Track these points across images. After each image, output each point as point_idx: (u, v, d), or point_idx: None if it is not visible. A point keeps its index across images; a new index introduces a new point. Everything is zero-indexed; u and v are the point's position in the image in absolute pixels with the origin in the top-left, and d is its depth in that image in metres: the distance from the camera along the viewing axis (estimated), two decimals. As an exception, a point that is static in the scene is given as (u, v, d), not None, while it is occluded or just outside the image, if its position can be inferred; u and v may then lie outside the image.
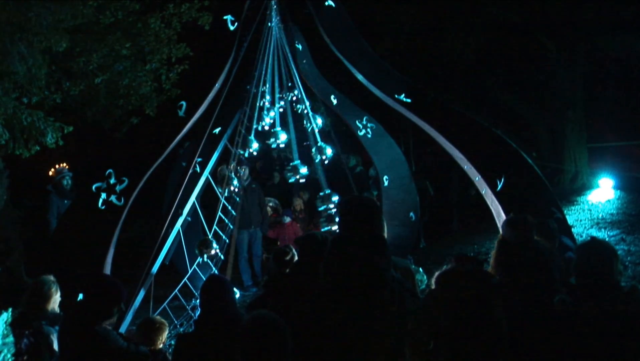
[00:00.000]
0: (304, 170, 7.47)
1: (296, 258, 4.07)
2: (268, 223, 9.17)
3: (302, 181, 7.98)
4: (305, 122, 8.01)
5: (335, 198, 7.24)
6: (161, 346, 4.06)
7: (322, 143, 7.61)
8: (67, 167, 9.38)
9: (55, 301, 4.08)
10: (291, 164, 7.61)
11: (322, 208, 7.34)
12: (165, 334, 4.14)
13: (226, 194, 7.60)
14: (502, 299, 2.43)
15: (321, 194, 7.36)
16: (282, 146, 7.95)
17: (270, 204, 9.44)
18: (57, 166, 9.52)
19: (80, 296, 3.92)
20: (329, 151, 7.56)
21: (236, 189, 7.79)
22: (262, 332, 2.33)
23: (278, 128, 7.74)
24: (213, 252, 7.06)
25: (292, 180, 7.72)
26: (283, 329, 2.36)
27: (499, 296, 2.73)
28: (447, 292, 2.30)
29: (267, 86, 7.99)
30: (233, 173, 7.67)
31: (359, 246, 3.05)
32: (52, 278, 4.12)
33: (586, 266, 3.06)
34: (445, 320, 2.17)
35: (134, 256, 7.90)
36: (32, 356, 3.76)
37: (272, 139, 7.64)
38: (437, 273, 3.51)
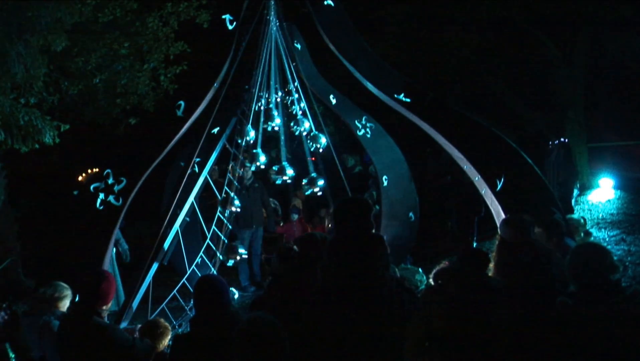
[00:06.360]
0: (290, 171, 7.47)
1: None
2: (274, 220, 9.21)
3: (288, 182, 8.01)
4: (292, 124, 8.03)
5: (320, 182, 7.36)
6: (163, 349, 4.07)
7: (316, 132, 7.62)
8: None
9: (65, 305, 4.27)
10: (278, 166, 7.57)
11: (308, 192, 7.51)
12: (168, 338, 4.14)
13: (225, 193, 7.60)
14: (499, 302, 2.42)
15: (306, 180, 7.44)
16: (262, 167, 7.85)
17: (270, 204, 9.42)
18: (89, 172, 9.41)
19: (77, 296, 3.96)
20: (323, 140, 7.55)
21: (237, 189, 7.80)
22: (258, 334, 2.31)
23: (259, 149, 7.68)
24: (234, 209, 7.34)
25: (278, 182, 7.71)
26: (279, 331, 2.34)
27: (495, 299, 2.71)
28: (442, 292, 2.29)
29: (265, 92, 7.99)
30: (231, 174, 7.66)
31: (356, 247, 3.04)
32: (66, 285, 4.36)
33: (579, 270, 3.04)
34: (439, 319, 2.16)
35: (133, 256, 7.90)
36: (9, 329, 3.81)
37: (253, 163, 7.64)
38: (435, 270, 3.51)
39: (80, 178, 9.49)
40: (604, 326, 2.71)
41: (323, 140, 7.53)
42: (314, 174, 7.46)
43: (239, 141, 7.55)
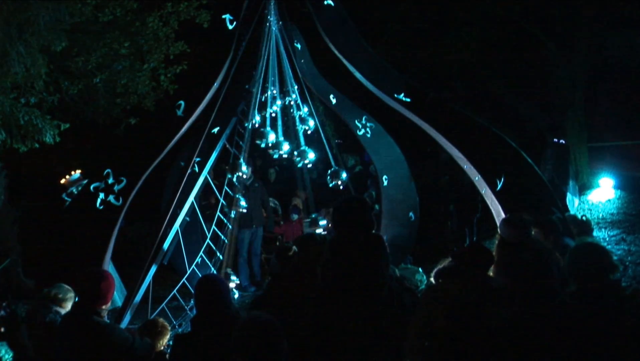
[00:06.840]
0: (311, 155, 7.24)
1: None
2: (273, 220, 9.21)
3: (309, 166, 7.72)
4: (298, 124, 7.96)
5: (344, 175, 7.14)
6: (162, 348, 4.07)
7: (305, 147, 7.40)
8: (82, 172, 9.08)
9: (68, 307, 4.33)
10: (300, 149, 7.37)
11: (332, 185, 7.22)
12: (167, 338, 4.14)
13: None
14: (498, 302, 2.41)
15: (329, 172, 7.19)
16: (310, 164, 7.61)
17: (270, 204, 9.42)
18: (72, 173, 9.27)
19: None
20: (311, 155, 7.27)
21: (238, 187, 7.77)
22: (257, 334, 2.31)
23: (268, 128, 7.46)
24: (241, 175, 7.21)
25: (300, 165, 7.45)
26: (278, 331, 2.34)
27: (494, 299, 2.71)
28: (443, 292, 2.29)
29: (269, 93, 7.92)
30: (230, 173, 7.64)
31: (356, 246, 3.03)
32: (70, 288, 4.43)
33: (579, 270, 3.04)
34: (440, 319, 2.15)
35: (133, 256, 7.89)
36: (8, 326, 3.84)
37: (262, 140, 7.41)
38: (436, 269, 3.51)
39: (63, 181, 9.40)
40: (604, 326, 2.70)
41: (311, 155, 7.28)
42: (336, 167, 7.32)
43: (257, 142, 7.35)
